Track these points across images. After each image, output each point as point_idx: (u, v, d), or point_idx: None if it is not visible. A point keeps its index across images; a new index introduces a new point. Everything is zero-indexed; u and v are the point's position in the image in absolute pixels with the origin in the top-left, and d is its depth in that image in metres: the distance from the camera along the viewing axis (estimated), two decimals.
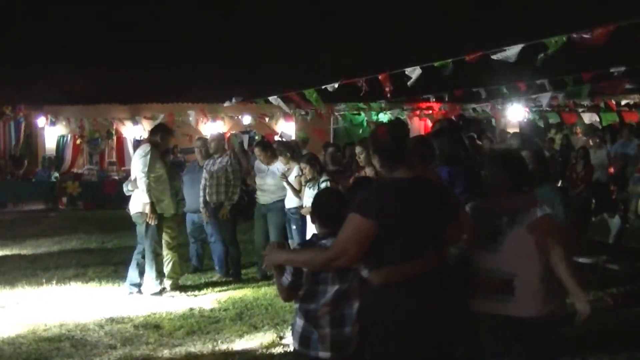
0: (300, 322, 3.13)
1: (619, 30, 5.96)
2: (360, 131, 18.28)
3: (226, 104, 13.15)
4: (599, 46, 5.91)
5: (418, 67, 8.18)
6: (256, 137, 17.56)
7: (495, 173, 3.53)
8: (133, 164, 7.06)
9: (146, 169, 6.73)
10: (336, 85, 9.96)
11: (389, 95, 9.07)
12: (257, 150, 8.03)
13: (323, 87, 10.10)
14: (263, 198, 7.77)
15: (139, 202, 6.86)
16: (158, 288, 6.86)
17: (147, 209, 6.73)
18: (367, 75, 9.34)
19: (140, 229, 6.94)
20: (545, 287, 3.33)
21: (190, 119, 16.83)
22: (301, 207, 7.20)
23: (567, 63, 9.07)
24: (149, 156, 6.79)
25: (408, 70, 8.25)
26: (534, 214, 3.39)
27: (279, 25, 25.16)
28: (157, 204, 6.84)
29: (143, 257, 6.99)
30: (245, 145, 16.91)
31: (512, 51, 6.75)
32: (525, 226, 3.34)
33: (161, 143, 7.02)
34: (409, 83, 8.29)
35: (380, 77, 8.94)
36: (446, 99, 14.29)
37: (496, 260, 3.36)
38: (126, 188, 7.15)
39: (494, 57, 6.93)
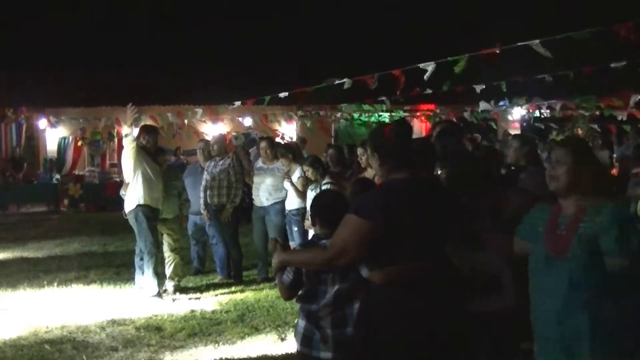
0: (302, 322, 3.15)
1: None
2: (363, 131, 18.31)
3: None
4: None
5: (433, 62, 8.08)
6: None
7: (468, 173, 3.57)
8: (122, 166, 7.10)
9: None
10: (345, 84, 9.78)
11: (398, 91, 8.94)
12: (263, 144, 8.03)
13: (336, 82, 9.98)
14: (260, 199, 7.75)
15: (130, 201, 6.86)
16: (157, 289, 6.87)
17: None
18: (379, 72, 9.21)
19: (136, 231, 6.95)
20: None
21: (193, 119, 16.80)
22: (302, 208, 7.20)
23: (568, 58, 9.03)
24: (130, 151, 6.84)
25: (422, 65, 8.15)
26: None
27: (285, 23, 25.21)
28: (149, 199, 6.82)
29: (142, 259, 7.00)
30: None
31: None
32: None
33: (145, 143, 6.98)
34: (425, 76, 8.18)
35: (395, 73, 8.81)
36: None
37: (485, 258, 3.43)
38: (122, 192, 7.15)
39: (535, 47, 6.90)
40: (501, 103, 16.26)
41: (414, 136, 3.51)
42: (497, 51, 7.43)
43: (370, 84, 9.19)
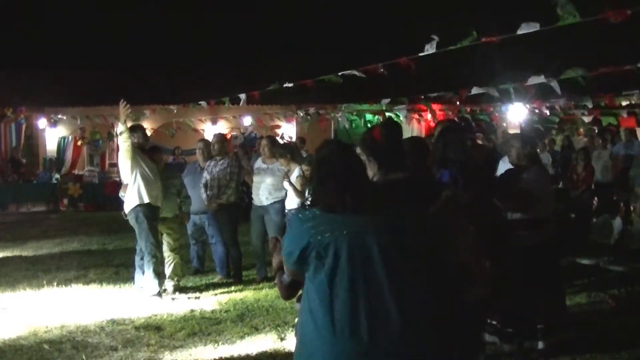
0: None
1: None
2: (364, 126, 18.28)
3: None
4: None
5: (433, 44, 7.89)
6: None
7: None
8: (120, 167, 7.08)
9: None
10: (356, 74, 9.56)
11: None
12: (263, 142, 8.01)
13: (340, 73, 9.82)
14: (260, 199, 7.73)
15: (129, 200, 6.84)
16: (157, 289, 6.86)
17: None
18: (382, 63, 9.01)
19: (136, 231, 6.94)
20: None
21: (193, 118, 16.81)
22: None
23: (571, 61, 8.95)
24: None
25: (427, 47, 7.97)
26: None
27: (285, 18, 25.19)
28: (148, 197, 6.79)
29: (142, 258, 6.99)
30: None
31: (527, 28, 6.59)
32: None
33: (137, 140, 6.93)
34: (426, 49, 7.91)
35: (401, 62, 8.60)
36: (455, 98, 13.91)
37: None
38: (121, 194, 7.12)
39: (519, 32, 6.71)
40: (502, 108, 16.25)
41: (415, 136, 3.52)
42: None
43: (378, 71, 8.93)
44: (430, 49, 7.38)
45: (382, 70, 8.56)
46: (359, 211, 2.51)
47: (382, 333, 2.42)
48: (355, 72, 9.10)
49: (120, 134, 6.71)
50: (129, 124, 6.86)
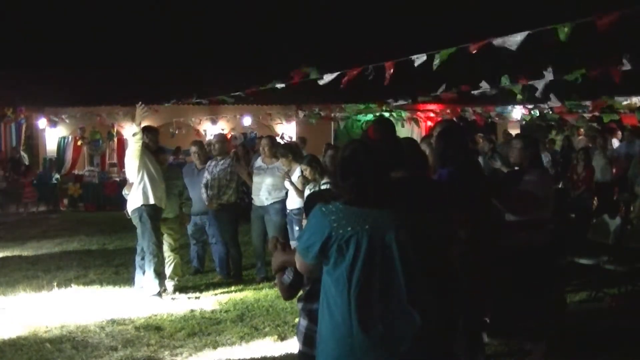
0: (304, 322, 3.14)
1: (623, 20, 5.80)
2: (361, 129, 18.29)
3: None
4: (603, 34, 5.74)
5: (424, 54, 7.89)
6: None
7: None
8: (126, 166, 7.10)
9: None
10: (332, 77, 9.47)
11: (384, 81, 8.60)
12: (263, 142, 8.01)
13: (342, 72, 9.74)
14: (260, 199, 7.72)
15: (134, 200, 6.86)
16: (157, 289, 6.86)
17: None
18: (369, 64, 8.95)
19: (139, 230, 6.94)
20: None
21: (193, 118, 16.77)
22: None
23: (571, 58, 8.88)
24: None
25: (413, 57, 7.96)
26: None
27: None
28: (153, 198, 6.81)
29: (142, 258, 6.99)
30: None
31: (514, 39, 6.51)
32: None
33: (148, 142, 7.00)
34: (415, 63, 7.90)
35: (386, 65, 8.55)
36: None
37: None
38: (125, 192, 7.14)
39: (495, 43, 6.67)
40: (499, 110, 16.20)
41: (417, 137, 3.53)
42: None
43: (360, 72, 8.85)
44: (418, 60, 7.36)
45: (370, 73, 8.50)
46: (381, 206, 2.55)
47: (397, 329, 2.45)
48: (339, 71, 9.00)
49: (134, 135, 6.72)
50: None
